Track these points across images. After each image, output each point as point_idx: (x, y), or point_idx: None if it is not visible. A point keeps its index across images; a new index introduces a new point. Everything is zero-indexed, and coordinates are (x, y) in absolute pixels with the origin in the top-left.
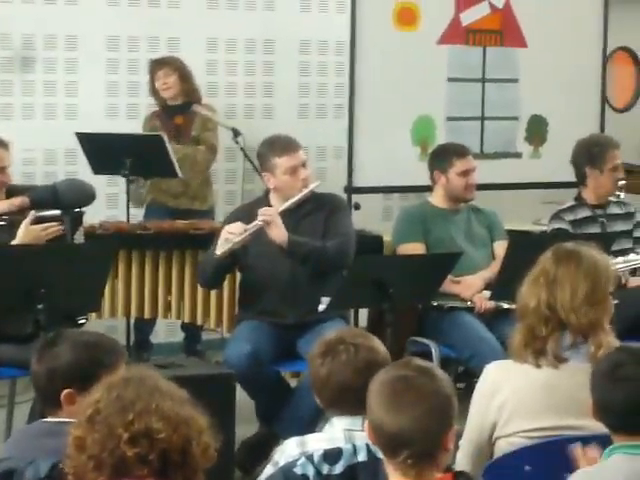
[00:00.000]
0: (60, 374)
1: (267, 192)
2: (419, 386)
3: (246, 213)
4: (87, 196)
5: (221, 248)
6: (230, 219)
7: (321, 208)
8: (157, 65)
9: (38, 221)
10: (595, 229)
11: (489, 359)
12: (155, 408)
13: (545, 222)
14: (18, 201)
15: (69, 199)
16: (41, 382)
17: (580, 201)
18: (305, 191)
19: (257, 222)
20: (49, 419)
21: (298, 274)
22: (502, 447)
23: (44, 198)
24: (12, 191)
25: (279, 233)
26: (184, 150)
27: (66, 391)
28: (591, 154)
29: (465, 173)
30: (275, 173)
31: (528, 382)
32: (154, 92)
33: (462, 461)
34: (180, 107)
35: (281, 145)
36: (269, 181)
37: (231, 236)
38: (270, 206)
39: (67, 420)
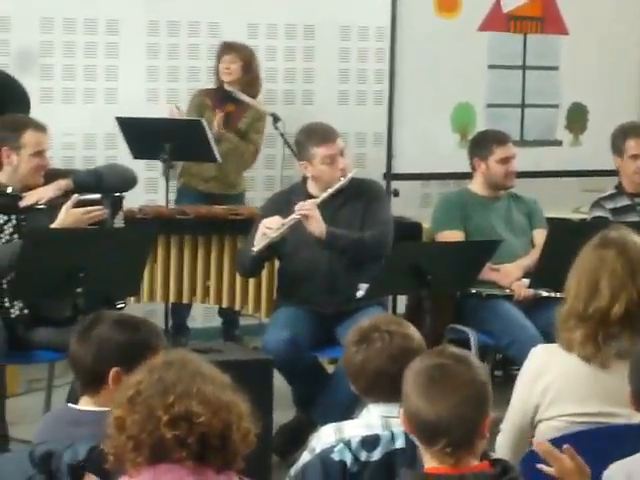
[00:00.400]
0: (108, 354)
1: (305, 178)
2: (455, 374)
3: (283, 200)
4: (129, 181)
5: (259, 244)
6: (267, 206)
7: (359, 196)
8: (226, 48)
9: (78, 204)
10: (634, 218)
11: (528, 346)
12: (196, 392)
13: (585, 210)
14: (64, 184)
15: (112, 183)
16: (86, 362)
17: (620, 189)
18: (343, 180)
19: (295, 216)
20: (76, 406)
21: (336, 264)
22: (543, 430)
23: (88, 182)
24: (51, 175)
25: (317, 226)
26: (237, 142)
27: (115, 369)
28: (614, 142)
29: (505, 160)
30: (313, 162)
31: (574, 366)
32: (216, 71)
33: (503, 445)
34: (233, 95)
35: (319, 134)
36: (307, 169)
37: (269, 231)
38: (307, 193)
39: (92, 409)
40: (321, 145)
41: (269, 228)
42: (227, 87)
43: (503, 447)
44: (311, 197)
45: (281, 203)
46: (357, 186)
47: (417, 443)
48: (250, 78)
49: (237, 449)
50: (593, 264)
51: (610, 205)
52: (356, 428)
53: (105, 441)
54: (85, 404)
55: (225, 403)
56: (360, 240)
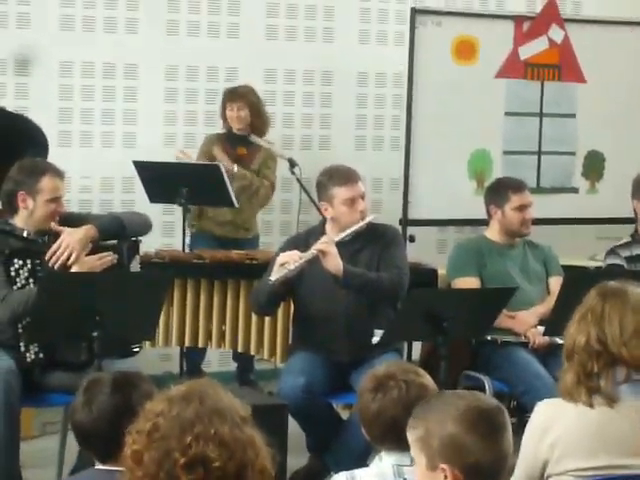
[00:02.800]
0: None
1: (323, 222)
2: (498, 417)
3: (302, 242)
4: (148, 227)
5: (276, 274)
6: (285, 247)
7: (376, 241)
8: (231, 95)
9: (96, 250)
10: None
11: (543, 395)
12: (214, 434)
13: (600, 258)
14: (91, 234)
15: (133, 230)
16: (101, 428)
17: (635, 237)
18: (361, 223)
19: (313, 251)
20: (101, 466)
21: (352, 308)
22: None
23: (111, 229)
24: (66, 218)
25: (335, 263)
26: (252, 178)
27: None
28: (635, 187)
29: (521, 208)
30: (333, 203)
31: (581, 422)
32: (223, 117)
33: None
34: (245, 138)
35: (341, 175)
36: (326, 211)
37: (287, 263)
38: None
39: (118, 469)
40: (342, 186)
41: (287, 261)
42: (237, 132)
43: None
44: None
45: (299, 245)
46: (374, 230)
47: None
48: (259, 120)
49: None
50: (582, 310)
51: (625, 253)
52: (368, 477)
53: (122, 473)
54: None
55: (242, 443)
56: (377, 280)
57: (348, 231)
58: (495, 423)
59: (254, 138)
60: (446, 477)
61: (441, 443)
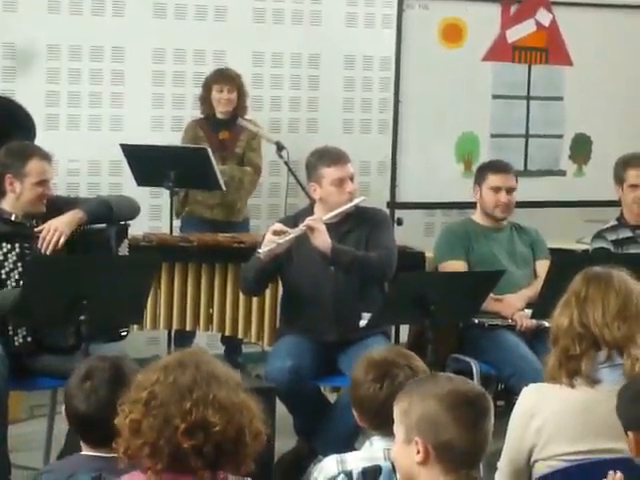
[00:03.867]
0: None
1: (312, 204)
2: (481, 400)
3: (290, 224)
4: (135, 211)
5: (264, 248)
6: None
7: (364, 223)
8: (220, 77)
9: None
10: (636, 249)
11: (530, 377)
12: (212, 399)
13: (588, 241)
14: (79, 217)
15: (122, 214)
16: (79, 424)
17: (621, 221)
18: (350, 204)
19: (302, 227)
20: (89, 452)
21: (341, 290)
22: (541, 470)
23: (100, 213)
24: (54, 202)
25: (323, 240)
26: (231, 172)
27: None
28: (616, 172)
29: (496, 189)
30: (322, 183)
31: (565, 406)
32: (205, 101)
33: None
34: (226, 121)
35: (331, 156)
36: (315, 192)
37: (275, 237)
38: None
39: (106, 455)
40: (331, 166)
41: (276, 233)
42: (219, 116)
43: None
44: None
45: (289, 226)
46: (363, 213)
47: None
48: (243, 102)
49: (249, 450)
50: (567, 294)
51: (612, 237)
52: (358, 460)
53: (116, 441)
54: None
55: (239, 407)
56: (365, 257)
57: (337, 211)
58: (476, 409)
59: (241, 121)
60: (418, 452)
61: (419, 417)
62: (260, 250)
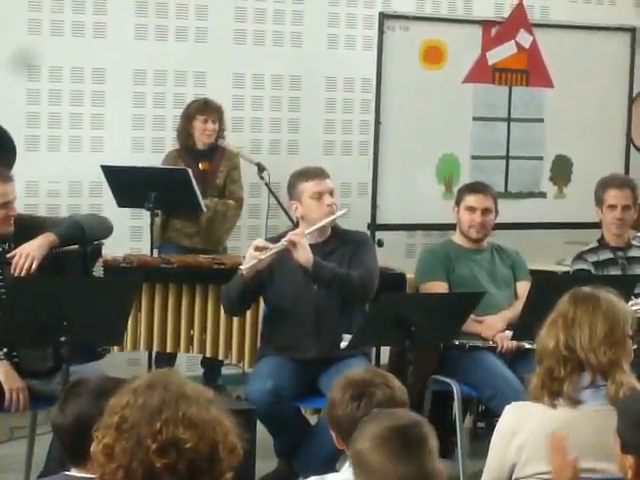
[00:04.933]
0: (88, 424)
1: (295, 226)
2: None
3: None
4: (108, 230)
5: (246, 264)
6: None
7: (347, 244)
8: (205, 108)
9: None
10: (616, 271)
11: (511, 398)
12: (182, 416)
13: (568, 262)
14: (51, 240)
15: (94, 234)
16: (67, 434)
17: (602, 243)
18: (331, 217)
19: (283, 241)
20: (73, 473)
21: (323, 308)
22: None
23: (72, 235)
24: (23, 221)
25: (305, 255)
26: (215, 206)
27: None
28: (596, 194)
29: (471, 209)
30: (302, 199)
31: (545, 424)
32: (184, 132)
33: None
34: (205, 152)
35: (309, 172)
36: (296, 210)
37: (257, 252)
38: None
39: (91, 477)
40: (309, 180)
41: (258, 249)
42: (199, 146)
43: None
44: None
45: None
46: (346, 234)
47: None
48: (223, 133)
49: (224, 465)
50: (554, 315)
51: (593, 258)
52: None
53: (93, 467)
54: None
55: (211, 423)
56: (347, 275)
57: (318, 224)
58: (408, 438)
59: (222, 142)
60: None
61: (353, 460)
62: (242, 267)
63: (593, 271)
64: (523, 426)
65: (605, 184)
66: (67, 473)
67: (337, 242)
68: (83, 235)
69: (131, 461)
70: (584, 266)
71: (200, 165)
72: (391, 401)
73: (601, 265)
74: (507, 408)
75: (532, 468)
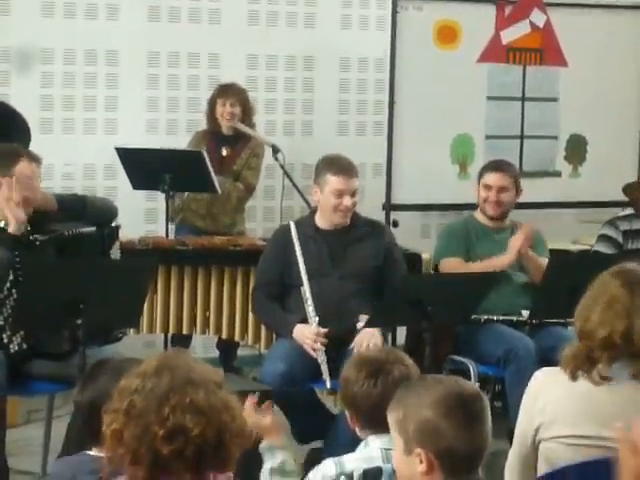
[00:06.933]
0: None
1: (313, 211)
2: (477, 402)
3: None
4: (113, 211)
5: (303, 337)
6: (273, 243)
7: (377, 236)
8: (223, 91)
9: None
10: None
11: (523, 353)
12: (189, 403)
13: (584, 241)
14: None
15: (96, 212)
16: (86, 412)
17: (638, 212)
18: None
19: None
20: (92, 452)
21: (343, 295)
22: (542, 452)
23: (72, 206)
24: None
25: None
26: (222, 184)
27: None
28: None
29: (487, 187)
30: (323, 189)
31: (568, 390)
32: (210, 115)
33: (512, 461)
34: (229, 138)
35: (340, 166)
36: (316, 193)
37: (314, 344)
38: (315, 226)
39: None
40: (337, 175)
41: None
42: (224, 131)
43: (512, 463)
44: (319, 230)
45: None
46: (369, 225)
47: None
48: (250, 120)
49: (232, 449)
50: (596, 289)
51: (624, 226)
52: (357, 461)
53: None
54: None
55: (217, 408)
56: None
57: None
58: (472, 410)
59: (240, 126)
60: (421, 462)
61: (416, 427)
62: (299, 335)
63: (620, 240)
64: (547, 389)
65: None
66: (88, 452)
67: (361, 229)
68: (83, 208)
69: (139, 447)
70: (612, 233)
71: (224, 151)
72: (407, 379)
73: (631, 234)
74: (536, 373)
75: (553, 431)
